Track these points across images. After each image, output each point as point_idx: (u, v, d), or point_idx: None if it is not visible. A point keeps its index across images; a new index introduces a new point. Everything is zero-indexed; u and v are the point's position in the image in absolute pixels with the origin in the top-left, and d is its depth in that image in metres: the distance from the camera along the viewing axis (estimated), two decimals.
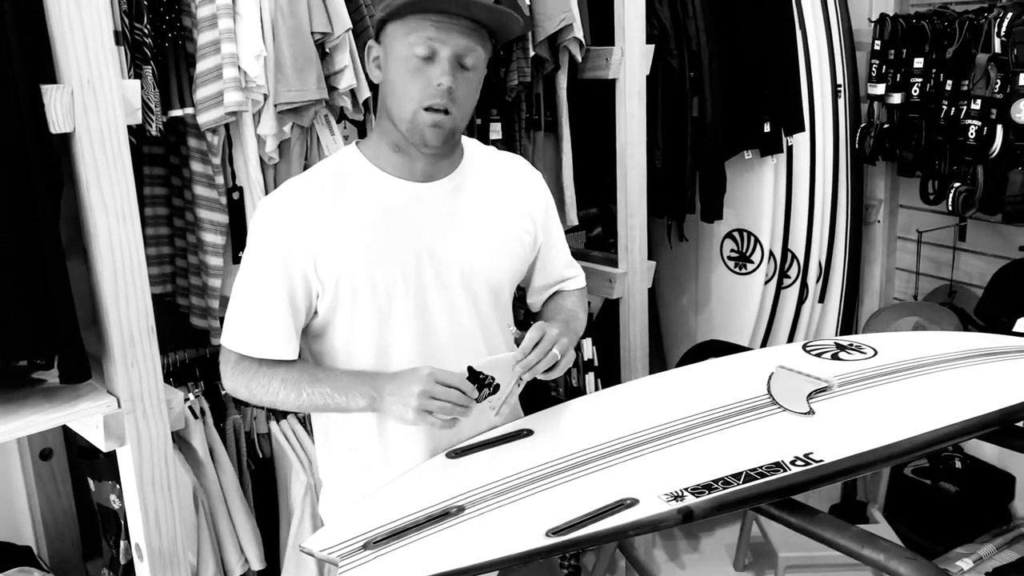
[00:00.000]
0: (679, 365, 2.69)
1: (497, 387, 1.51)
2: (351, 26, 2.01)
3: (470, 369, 1.49)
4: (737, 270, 3.19)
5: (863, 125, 3.20)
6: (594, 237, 3.11)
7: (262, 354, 1.54)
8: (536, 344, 1.50)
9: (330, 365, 1.59)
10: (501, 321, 1.66)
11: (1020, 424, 1.73)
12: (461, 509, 1.35)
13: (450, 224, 1.57)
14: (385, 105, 1.52)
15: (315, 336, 1.59)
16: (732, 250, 3.18)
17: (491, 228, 1.61)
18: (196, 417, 2.11)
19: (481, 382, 1.49)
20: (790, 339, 3.26)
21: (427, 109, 1.46)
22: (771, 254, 3.13)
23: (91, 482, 2.11)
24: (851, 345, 1.97)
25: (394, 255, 1.52)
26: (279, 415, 2.27)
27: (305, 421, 2.28)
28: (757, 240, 3.11)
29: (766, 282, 3.16)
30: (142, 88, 1.77)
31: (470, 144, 1.66)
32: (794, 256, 3.19)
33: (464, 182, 1.59)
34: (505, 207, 1.64)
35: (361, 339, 1.55)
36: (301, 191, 1.54)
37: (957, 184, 2.86)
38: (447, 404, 1.41)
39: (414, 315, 1.55)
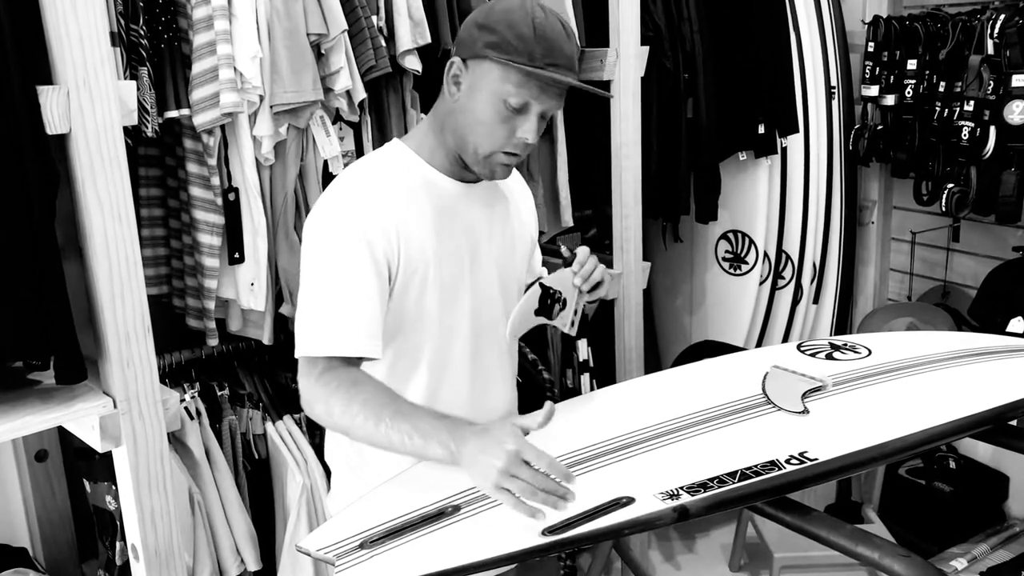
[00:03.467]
0: (674, 366, 2.70)
1: (565, 302, 1.62)
2: (347, 27, 2.02)
3: (541, 285, 1.60)
4: (732, 271, 3.20)
5: (857, 127, 3.21)
6: (589, 238, 3.12)
7: (353, 352, 1.44)
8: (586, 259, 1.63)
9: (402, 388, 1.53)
10: None
11: (1013, 423, 1.74)
12: (456, 508, 1.35)
13: (491, 222, 1.62)
14: (455, 127, 1.50)
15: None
16: (727, 251, 3.19)
17: (514, 228, 1.68)
18: (192, 418, 2.11)
19: (552, 297, 1.60)
20: (785, 340, 3.27)
21: (504, 152, 1.48)
22: (765, 255, 3.14)
23: (87, 483, 2.11)
24: (845, 345, 1.98)
25: (453, 249, 1.55)
26: (275, 415, 2.27)
27: (301, 422, 2.28)
28: (752, 241, 3.12)
29: (761, 283, 3.17)
30: (138, 89, 1.77)
31: None
32: (788, 257, 3.20)
33: (494, 185, 1.64)
34: (519, 209, 1.71)
35: (424, 331, 1.55)
36: (370, 180, 1.51)
37: (950, 185, 2.87)
38: (529, 486, 1.27)
39: (468, 308, 1.58)
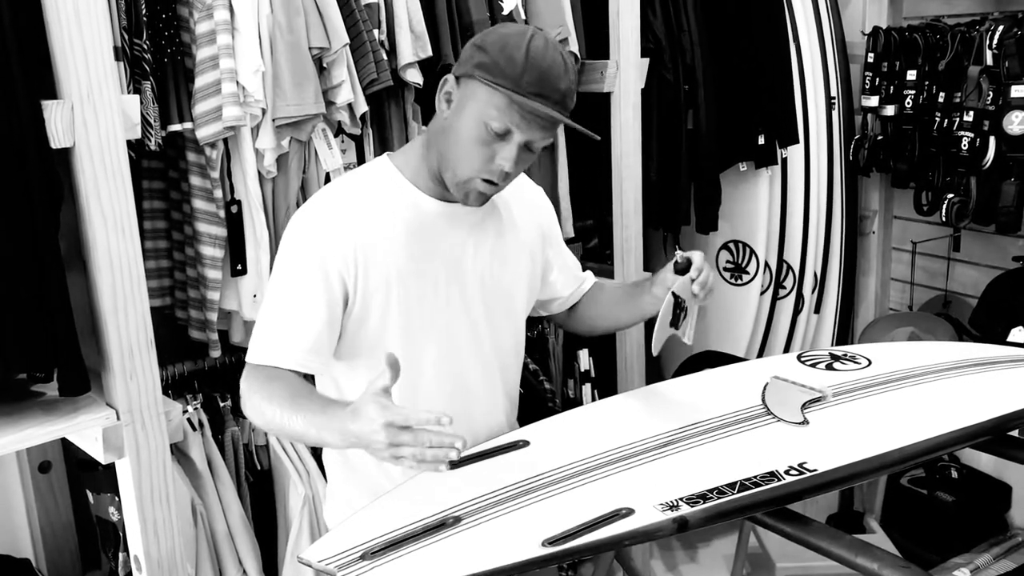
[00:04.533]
0: (675, 376, 2.70)
1: (687, 310, 1.61)
2: (348, 41, 2.03)
3: (673, 295, 1.59)
4: (733, 281, 3.20)
5: (857, 137, 3.22)
6: (590, 249, 3.12)
7: (287, 364, 1.46)
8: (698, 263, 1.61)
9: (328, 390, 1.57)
10: (514, 334, 1.70)
11: (1014, 433, 1.74)
12: (457, 520, 1.36)
13: (476, 241, 1.59)
14: (440, 146, 1.49)
15: (342, 352, 1.55)
16: (728, 261, 3.20)
17: (510, 245, 1.65)
18: (195, 429, 2.11)
19: (679, 306, 1.59)
20: (786, 350, 3.27)
21: (482, 179, 1.46)
22: (767, 265, 3.15)
23: (90, 495, 2.12)
24: (846, 355, 1.98)
25: (426, 271, 1.53)
26: None
27: None
28: (753, 251, 3.13)
29: (762, 293, 3.17)
30: (141, 103, 1.78)
31: None
32: (789, 267, 3.21)
33: (491, 201, 1.61)
34: (521, 225, 1.68)
35: (388, 352, 1.53)
36: (340, 200, 1.52)
37: (951, 195, 2.88)
38: (418, 448, 1.24)
39: (440, 329, 1.56)
